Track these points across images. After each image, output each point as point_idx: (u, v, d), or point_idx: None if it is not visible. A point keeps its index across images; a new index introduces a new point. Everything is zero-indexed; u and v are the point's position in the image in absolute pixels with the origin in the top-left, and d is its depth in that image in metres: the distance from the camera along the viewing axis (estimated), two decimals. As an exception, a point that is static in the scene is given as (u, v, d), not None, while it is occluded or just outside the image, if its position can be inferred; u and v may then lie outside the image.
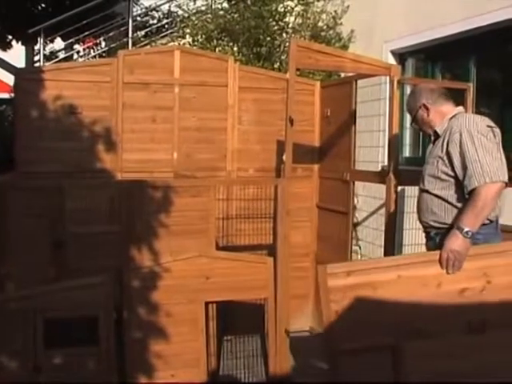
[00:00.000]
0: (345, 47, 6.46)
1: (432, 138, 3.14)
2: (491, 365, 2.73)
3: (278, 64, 6.56)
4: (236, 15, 6.66)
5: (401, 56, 6.28)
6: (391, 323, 2.69)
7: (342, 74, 5.60)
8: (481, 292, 2.77)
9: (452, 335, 2.73)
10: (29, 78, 4.43)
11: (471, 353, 2.74)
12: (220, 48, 6.43)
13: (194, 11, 7.45)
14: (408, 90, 6.20)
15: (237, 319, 4.24)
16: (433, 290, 2.75)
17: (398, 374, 2.66)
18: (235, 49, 6.43)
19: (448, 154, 2.91)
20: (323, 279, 2.66)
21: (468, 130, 2.85)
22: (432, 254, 2.78)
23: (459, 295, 2.76)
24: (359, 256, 6.19)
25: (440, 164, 2.96)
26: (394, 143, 3.99)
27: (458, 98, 4.48)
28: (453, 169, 2.90)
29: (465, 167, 2.82)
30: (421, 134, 6.07)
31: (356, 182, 5.05)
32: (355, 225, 6.13)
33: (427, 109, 3.12)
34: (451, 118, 3.04)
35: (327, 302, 2.66)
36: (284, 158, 3.72)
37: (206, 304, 3.65)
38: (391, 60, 6.09)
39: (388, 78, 4.05)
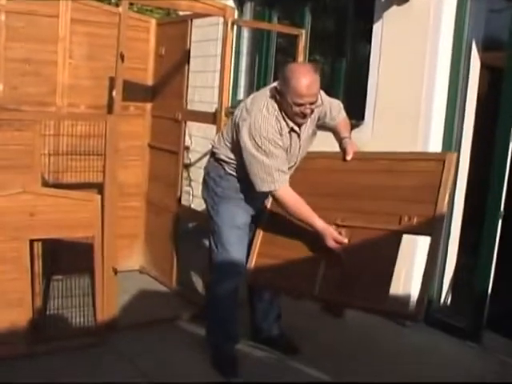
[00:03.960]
0: (184, -14, 6.37)
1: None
2: None
3: (116, -2, 6.39)
4: None
5: (240, -2, 6.32)
6: None
7: (181, 13, 5.55)
8: None
9: None
10: None
11: None
12: (53, -24, 6.11)
13: None
14: (245, 33, 6.30)
15: (68, 258, 4.19)
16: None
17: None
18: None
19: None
20: None
21: None
22: None
23: None
24: (191, 197, 6.28)
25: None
26: (226, 85, 4.02)
27: (292, 43, 4.61)
28: None
29: None
30: (255, 77, 6.22)
31: (191, 123, 5.08)
32: (188, 166, 6.19)
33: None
34: None
35: None
36: (114, 94, 3.65)
37: (31, 242, 3.55)
38: (230, 3, 6.10)
39: (223, 18, 4.05)
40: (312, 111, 3.25)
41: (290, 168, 3.37)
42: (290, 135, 3.30)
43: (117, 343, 3.74)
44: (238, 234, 3.48)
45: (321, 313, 4.46)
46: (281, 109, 3.24)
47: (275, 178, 3.20)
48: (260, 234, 3.56)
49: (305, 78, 3.12)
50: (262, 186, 3.24)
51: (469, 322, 4.14)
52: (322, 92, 3.38)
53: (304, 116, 3.23)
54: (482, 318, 4.04)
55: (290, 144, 3.32)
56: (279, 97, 3.22)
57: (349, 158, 3.41)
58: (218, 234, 3.49)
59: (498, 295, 4.08)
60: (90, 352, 3.60)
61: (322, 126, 3.56)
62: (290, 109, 3.19)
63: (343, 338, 4.10)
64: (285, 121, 3.25)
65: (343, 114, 3.63)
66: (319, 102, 3.28)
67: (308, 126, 3.40)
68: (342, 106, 3.65)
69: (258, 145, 3.17)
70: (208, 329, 3.68)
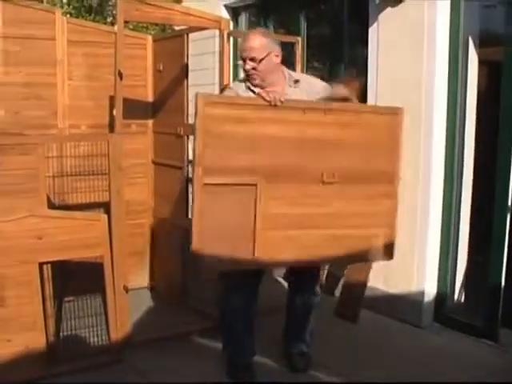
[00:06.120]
0: (178, 1, 6.41)
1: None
2: (338, 213, 3.25)
3: (111, 18, 6.42)
4: (65, -35, 6.40)
5: (234, 10, 6.34)
6: (257, 162, 3.08)
7: (177, 28, 5.58)
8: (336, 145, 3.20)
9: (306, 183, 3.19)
10: None
11: (322, 201, 3.23)
12: None
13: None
14: (241, 44, 6.31)
15: (78, 280, 4.18)
16: (298, 135, 3.15)
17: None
18: (64, 1, 6.19)
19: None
20: (201, 108, 2.96)
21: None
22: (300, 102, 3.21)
23: (319, 145, 3.18)
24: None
25: None
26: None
27: (289, 51, 4.63)
28: None
29: None
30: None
31: (192, 137, 5.07)
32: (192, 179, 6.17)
33: (277, 57, 3.33)
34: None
35: (202, 131, 2.99)
36: (114, 113, 3.66)
37: (41, 265, 3.55)
38: (225, 14, 6.12)
39: (218, 31, 4.07)
40: (254, 69, 3.27)
41: None
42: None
43: (132, 360, 3.73)
44: None
45: (335, 318, 4.46)
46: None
47: None
48: None
49: (248, 36, 3.32)
50: None
51: (484, 320, 4.12)
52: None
53: (246, 72, 3.31)
54: (496, 315, 4.02)
55: None
56: None
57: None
58: None
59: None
60: (106, 371, 3.60)
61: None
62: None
63: (359, 343, 4.09)
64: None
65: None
66: (267, 60, 3.28)
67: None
68: None
69: None
70: (223, 342, 3.67)
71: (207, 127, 2.99)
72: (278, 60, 3.34)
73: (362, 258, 3.50)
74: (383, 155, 3.33)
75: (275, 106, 3.05)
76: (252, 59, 3.25)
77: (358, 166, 3.26)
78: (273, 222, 3.13)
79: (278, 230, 3.15)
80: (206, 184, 3.02)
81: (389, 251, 3.41)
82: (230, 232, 3.09)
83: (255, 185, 3.07)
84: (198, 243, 3.04)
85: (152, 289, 5.09)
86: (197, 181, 3.02)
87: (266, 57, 3.25)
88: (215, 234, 3.06)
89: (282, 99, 3.08)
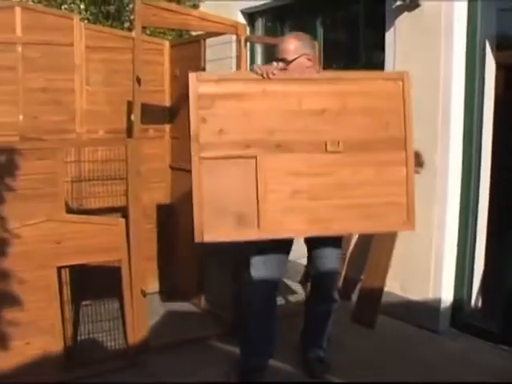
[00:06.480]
0: (195, 6, 6.44)
1: None
2: (347, 182, 3.21)
3: (128, 24, 6.44)
4: (83, -30, 6.44)
5: (250, 16, 6.36)
6: (254, 135, 3.10)
7: (194, 33, 5.60)
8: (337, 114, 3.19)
9: (310, 153, 3.16)
10: None
11: (327, 171, 3.19)
12: (66, 6, 6.21)
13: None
14: (258, 48, 6.33)
15: (96, 283, 4.20)
16: (294, 107, 3.15)
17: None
18: (82, 7, 6.23)
19: None
20: (194, 85, 3.04)
21: None
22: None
23: (319, 115, 3.17)
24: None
25: None
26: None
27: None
28: None
29: None
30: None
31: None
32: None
33: (310, 60, 3.37)
34: None
35: (196, 107, 3.04)
36: (132, 118, 3.68)
37: (59, 269, 3.57)
38: (241, 20, 6.13)
39: (235, 36, 4.09)
40: (282, 69, 3.29)
41: None
42: None
43: (149, 365, 3.75)
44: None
45: (352, 323, 4.45)
46: None
47: None
48: None
49: (283, 38, 3.45)
50: None
51: (501, 326, 4.09)
52: None
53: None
54: (513, 320, 4.00)
55: None
56: None
57: None
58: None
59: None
60: (123, 375, 3.61)
61: None
62: None
63: (376, 348, 4.07)
64: None
65: None
66: (297, 62, 3.32)
67: None
68: None
69: None
70: (239, 343, 3.67)
71: (200, 103, 3.04)
72: (310, 63, 3.38)
73: (379, 228, 3.41)
74: (391, 122, 3.26)
75: (268, 79, 3.10)
76: (283, 60, 3.32)
77: (363, 133, 3.22)
78: (276, 193, 3.12)
79: (282, 201, 3.14)
80: (203, 158, 3.05)
81: (409, 221, 3.31)
82: (233, 205, 3.09)
83: (255, 157, 3.09)
84: (199, 216, 3.07)
85: (170, 293, 5.07)
86: (194, 155, 3.07)
87: (296, 58, 3.31)
88: (216, 206, 3.09)
89: (275, 72, 3.13)
